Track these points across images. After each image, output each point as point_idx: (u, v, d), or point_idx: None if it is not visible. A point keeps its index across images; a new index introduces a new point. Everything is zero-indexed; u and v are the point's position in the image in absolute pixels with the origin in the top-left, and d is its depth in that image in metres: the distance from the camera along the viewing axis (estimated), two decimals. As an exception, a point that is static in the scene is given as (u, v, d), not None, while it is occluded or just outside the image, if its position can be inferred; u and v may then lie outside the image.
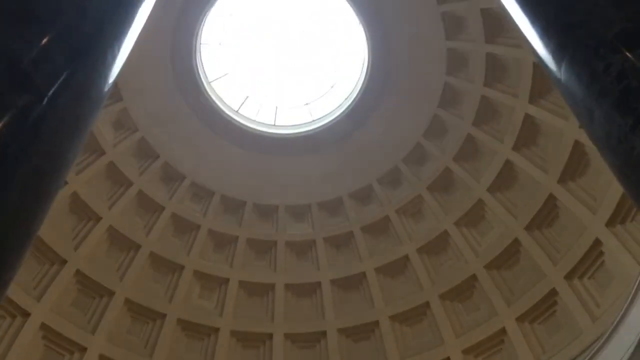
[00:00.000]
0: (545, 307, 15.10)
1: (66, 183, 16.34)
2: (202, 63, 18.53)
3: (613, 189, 13.36)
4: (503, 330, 15.73)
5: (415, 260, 18.13)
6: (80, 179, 16.70)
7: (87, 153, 16.95)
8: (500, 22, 15.26)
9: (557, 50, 4.05)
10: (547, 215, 15.42)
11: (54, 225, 16.12)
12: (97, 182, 17.25)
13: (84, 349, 15.89)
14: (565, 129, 14.44)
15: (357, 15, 17.92)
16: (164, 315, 17.54)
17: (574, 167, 14.58)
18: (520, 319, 15.50)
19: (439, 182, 18.08)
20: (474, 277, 16.88)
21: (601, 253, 13.88)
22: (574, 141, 14.28)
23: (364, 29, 18.07)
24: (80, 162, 16.81)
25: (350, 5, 17.78)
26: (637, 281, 11.52)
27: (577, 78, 3.88)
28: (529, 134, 15.68)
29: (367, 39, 18.12)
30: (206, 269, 18.59)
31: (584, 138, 14.03)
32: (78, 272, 16.44)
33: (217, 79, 19.25)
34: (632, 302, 11.52)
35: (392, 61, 17.93)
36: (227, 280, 18.66)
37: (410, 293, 17.90)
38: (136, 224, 17.98)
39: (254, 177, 19.41)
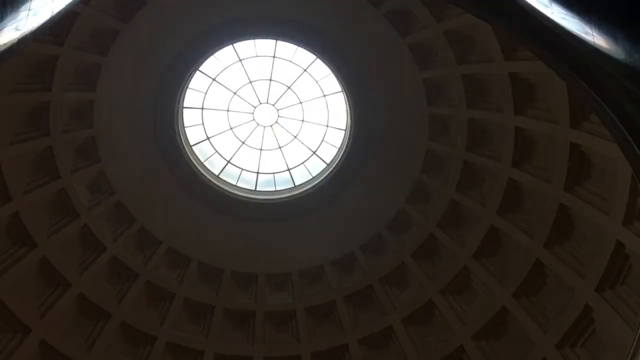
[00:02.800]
0: (537, 379, 14.40)
1: (35, 247, 15.66)
2: (184, 126, 18.38)
3: (601, 252, 13.06)
4: (495, 406, 14.91)
5: (400, 331, 17.40)
6: (51, 243, 16.01)
7: (61, 215, 16.36)
8: (481, 86, 15.43)
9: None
10: (534, 281, 14.98)
11: (19, 291, 15.30)
12: (69, 247, 16.55)
13: None
14: (550, 192, 14.28)
15: (340, 82, 18.07)
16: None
17: (560, 230, 14.29)
18: (511, 393, 14.75)
19: (423, 248, 17.67)
20: (461, 349, 16.18)
21: (592, 320, 13.38)
22: (559, 204, 14.09)
23: (346, 96, 18.18)
24: (52, 225, 16.18)
25: (332, 72, 17.97)
26: (632, 348, 10.99)
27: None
28: (513, 199, 15.50)
29: (349, 105, 18.21)
30: (180, 340, 17.62)
31: (569, 201, 13.89)
32: (43, 343, 15.43)
33: (199, 142, 19.05)
34: (628, 370, 10.95)
35: (375, 127, 17.93)
36: (202, 353, 17.67)
37: (396, 367, 17.08)
38: (108, 292, 17.14)
39: (233, 243, 18.82)
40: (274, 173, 19.89)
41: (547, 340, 14.24)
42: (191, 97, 18.73)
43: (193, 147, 18.83)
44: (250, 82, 19.46)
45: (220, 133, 19.63)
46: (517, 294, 15.30)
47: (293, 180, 19.59)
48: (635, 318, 12.19)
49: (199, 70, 18.30)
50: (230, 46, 18.06)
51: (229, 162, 19.59)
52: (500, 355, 15.48)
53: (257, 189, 19.60)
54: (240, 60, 18.99)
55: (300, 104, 19.69)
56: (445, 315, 16.82)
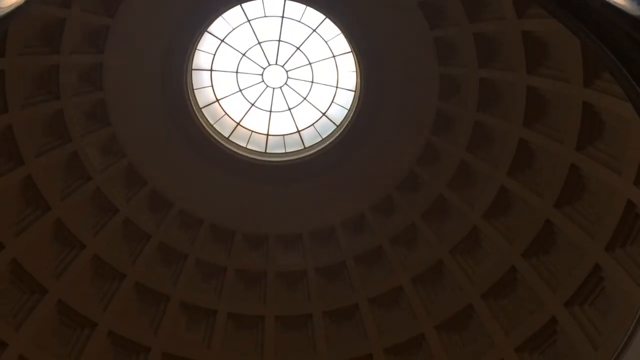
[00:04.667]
0: (545, 336, 14.57)
1: (49, 209, 15.88)
2: (193, 88, 18.32)
3: (611, 212, 13.06)
4: (502, 362, 15.15)
5: (409, 290, 17.60)
6: (64, 205, 16.21)
7: (73, 178, 16.51)
8: (493, 45, 15.19)
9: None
10: (544, 241, 15.03)
11: (35, 253, 15.58)
12: (82, 209, 16.74)
13: (63, 383, 15.15)
14: (561, 152, 14.19)
15: (350, 42, 17.86)
16: (148, 349, 16.81)
17: (571, 190, 14.27)
18: (519, 350, 14.94)
19: (433, 209, 17.71)
20: (470, 307, 16.35)
21: (601, 279, 13.47)
22: (570, 164, 14.02)
23: (356, 56, 17.99)
24: (65, 188, 16.36)
25: (342, 32, 17.74)
26: (640, 306, 11.08)
27: None
28: (523, 159, 15.43)
29: (359, 65, 18.02)
30: (193, 300, 17.95)
31: (580, 161, 13.81)
32: (59, 302, 15.78)
33: (208, 105, 19.01)
34: (636, 327, 11.05)
35: (385, 88, 17.78)
36: (215, 312, 18.01)
37: (404, 324, 17.31)
38: (122, 253, 17.40)
39: (244, 205, 18.98)
40: (283, 135, 19.87)
41: (555, 298, 14.36)
42: (200, 59, 18.61)
43: (202, 110, 18.80)
44: (259, 43, 19.28)
45: (230, 95, 19.56)
46: (526, 253, 15.38)
47: (303, 142, 19.58)
48: (645, 277, 12.27)
49: (208, 32, 18.14)
50: (239, 6, 17.82)
51: (238, 124, 19.58)
52: (508, 314, 15.64)
53: (267, 151, 19.62)
54: (248, 20, 18.77)
55: (309, 65, 19.51)
56: (454, 274, 16.97)
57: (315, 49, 19.26)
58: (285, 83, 19.82)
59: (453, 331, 16.55)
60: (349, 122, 18.56)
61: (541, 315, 14.64)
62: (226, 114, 19.45)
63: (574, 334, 13.72)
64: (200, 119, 18.60)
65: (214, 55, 18.97)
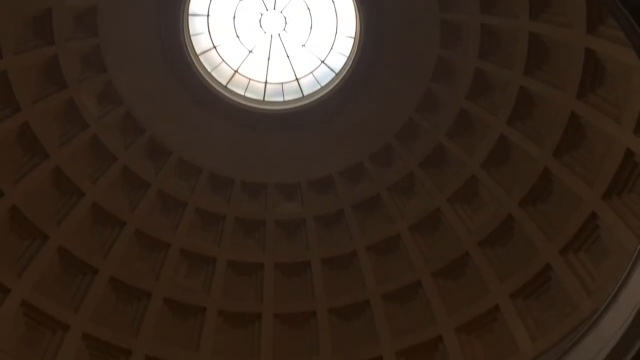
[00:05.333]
0: (539, 283, 14.82)
1: (47, 156, 15.87)
2: (189, 34, 18.00)
3: (610, 160, 13.08)
4: (496, 308, 15.44)
5: (407, 238, 17.78)
6: (62, 153, 16.20)
7: (70, 125, 16.42)
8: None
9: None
10: (541, 190, 15.10)
11: (34, 200, 15.68)
12: (80, 157, 16.73)
13: (66, 327, 15.46)
14: (562, 100, 14.08)
15: (349, -13, 17.44)
16: (149, 294, 17.12)
17: (570, 139, 14.23)
18: (513, 296, 15.22)
19: (432, 158, 17.69)
20: (466, 255, 16.56)
21: (597, 227, 13.61)
22: (570, 112, 13.94)
23: (356, 2, 17.60)
24: (62, 135, 16.30)
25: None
26: (636, 253, 11.18)
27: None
28: (524, 107, 15.32)
29: (358, 12, 17.66)
30: (193, 247, 18.16)
31: (581, 109, 13.73)
32: (60, 249, 15.98)
33: (205, 52, 18.72)
34: (629, 274, 11.19)
35: (384, 34, 17.46)
36: (214, 260, 18.24)
37: (401, 271, 17.57)
38: (121, 201, 17.49)
39: (242, 154, 18.94)
40: (282, 83, 19.65)
41: (551, 246, 14.55)
42: (197, 4, 18.21)
43: (200, 57, 18.52)
44: (257, -13, 18.84)
45: (227, 42, 19.24)
46: (523, 202, 15.48)
47: (301, 90, 19.37)
48: (640, 225, 12.38)
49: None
50: (235, -51, 17.35)
51: (236, 71, 19.33)
52: (504, 261, 15.85)
53: (266, 99, 19.44)
54: (246, -36, 18.30)
55: (308, 11, 19.11)
56: (452, 223, 17.11)
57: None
58: (284, 29, 19.47)
59: (449, 278, 16.80)
60: (348, 70, 18.31)
61: (536, 262, 14.85)
62: (223, 60, 19.18)
63: (568, 281, 13.95)
64: (197, 66, 18.34)
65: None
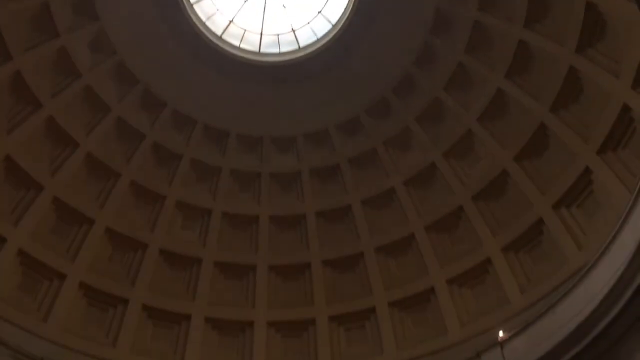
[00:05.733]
0: (531, 237, 15.03)
1: (40, 106, 15.71)
2: (183, -18, 17.56)
3: (606, 115, 13.06)
4: (488, 260, 15.69)
5: (401, 192, 17.89)
6: (56, 103, 16.04)
7: (63, 75, 16.19)
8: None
9: None
10: (537, 145, 15.13)
11: (28, 150, 15.65)
12: (74, 107, 16.56)
13: (63, 276, 15.66)
14: (561, 54, 13.95)
15: None
16: (145, 245, 17.29)
17: (567, 94, 14.18)
18: (505, 249, 15.46)
19: (428, 112, 17.59)
20: (460, 209, 16.72)
21: (590, 182, 13.71)
22: (569, 67, 13.82)
23: (354, -50, 17.16)
24: (55, 85, 16.10)
25: None
26: (628, 207, 11.27)
27: None
28: (522, 61, 15.17)
29: (356, -39, 17.22)
30: (189, 199, 18.24)
31: (579, 63, 13.61)
32: (56, 199, 16.03)
33: (199, 0, 18.29)
34: (620, 228, 11.29)
35: (383, -15, 17.10)
36: (210, 212, 18.36)
37: (395, 225, 17.75)
38: (116, 152, 17.43)
39: (238, 106, 18.77)
40: (278, 34, 19.32)
41: (544, 201, 14.69)
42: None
43: (194, 6, 18.11)
44: None
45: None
46: (518, 157, 15.54)
47: (298, 42, 19.04)
48: (634, 180, 12.41)
49: None
50: None
51: (231, 21, 18.95)
52: (497, 215, 16.01)
53: (261, 50, 19.14)
54: None
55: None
56: (446, 177, 17.18)
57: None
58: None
59: (442, 232, 17.00)
60: (345, 21, 17.94)
61: (529, 217, 15.02)
62: (218, 10, 18.80)
63: (559, 235, 14.13)
64: (192, 15, 17.93)
65: (205, -53, 18.06)
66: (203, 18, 18.26)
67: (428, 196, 17.56)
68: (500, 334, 12.63)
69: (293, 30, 19.20)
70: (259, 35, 19.22)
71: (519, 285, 14.88)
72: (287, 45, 19.12)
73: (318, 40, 18.67)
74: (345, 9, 18.01)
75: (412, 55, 17.51)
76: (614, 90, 12.83)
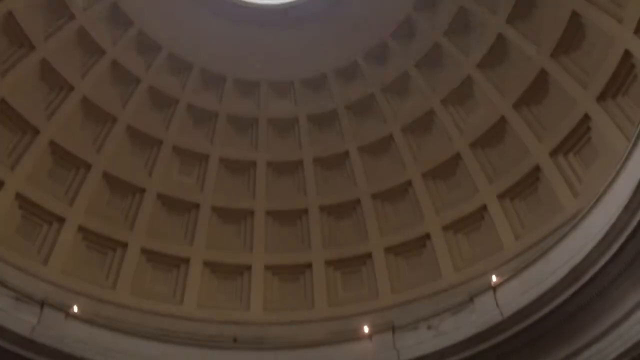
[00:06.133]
0: (527, 184, 15.12)
1: (33, 48, 15.44)
2: None
3: (607, 62, 12.92)
4: (484, 207, 15.83)
5: (399, 139, 17.83)
6: (49, 45, 15.75)
7: (56, 16, 15.83)
8: None
9: None
10: (536, 91, 15.01)
11: (23, 93, 15.49)
12: (67, 50, 16.28)
13: (62, 220, 15.78)
14: (564, -2, 13.66)
15: None
16: (143, 190, 17.35)
17: (569, 40, 13.98)
18: (501, 196, 15.57)
19: (428, 58, 17.35)
20: (457, 156, 16.73)
21: (589, 129, 13.68)
22: (572, 11, 13.57)
23: None
24: (48, 27, 15.76)
25: None
26: (625, 155, 11.27)
27: None
28: (524, 5, 14.88)
29: None
30: (186, 144, 18.19)
31: (582, 7, 13.35)
32: (52, 143, 15.98)
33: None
34: (616, 176, 11.32)
35: None
36: (207, 157, 18.35)
37: (393, 172, 17.79)
38: (111, 96, 17.25)
39: (235, 50, 18.45)
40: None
41: (541, 148, 14.70)
42: None
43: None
44: None
45: None
46: (517, 104, 15.45)
47: (296, -17, 18.57)
48: (632, 128, 12.38)
49: None
50: None
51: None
52: (494, 163, 16.06)
53: (259, -8, 18.67)
54: None
55: None
56: (444, 124, 17.11)
57: None
58: None
59: (439, 179, 17.08)
60: (345, -40, 17.48)
61: (525, 164, 15.07)
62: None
63: (555, 182, 14.21)
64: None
65: None
66: (198, -43, 17.72)
67: (426, 143, 17.53)
68: (494, 278, 12.82)
69: (291, -29, 18.68)
70: (256, -23, 18.71)
71: (513, 231, 15.06)
72: (286, -13, 18.63)
73: (317, -18, 18.18)
74: (344, -52, 17.48)
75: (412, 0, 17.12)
76: (616, 35, 12.65)
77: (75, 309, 12.94)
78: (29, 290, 12.45)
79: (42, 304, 12.01)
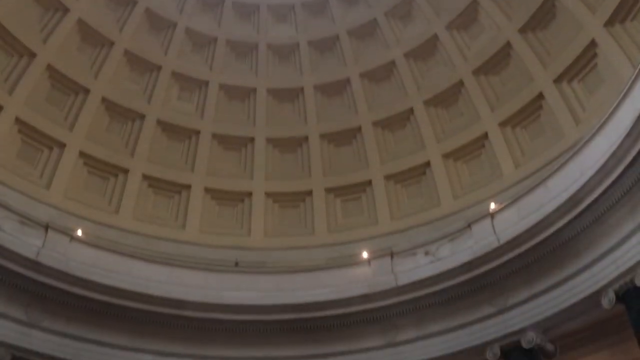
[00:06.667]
0: (529, 112, 15.00)
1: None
2: None
3: (618, -16, 12.48)
4: (485, 135, 15.78)
5: (401, 65, 17.54)
6: (40, -37, 15.24)
7: None
8: None
9: None
10: (543, 16, 14.64)
11: (17, 15, 15.09)
12: (60, -30, 15.76)
13: (62, 145, 15.78)
14: None
15: None
16: (142, 116, 17.24)
17: (580, -38, 13.46)
18: (503, 124, 15.49)
19: (433, -20, 16.81)
20: (460, 83, 16.51)
21: (595, 55, 13.40)
22: None
23: None
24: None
25: None
26: (630, 82, 11.08)
27: None
28: None
29: None
30: (185, 70, 17.92)
31: None
32: (49, 67, 15.75)
33: None
34: (619, 103, 11.17)
35: None
36: (206, 83, 18.11)
37: (394, 99, 17.61)
38: (108, 18, 16.87)
39: (232, -30, 17.87)
40: None
41: (545, 74, 14.49)
42: None
43: None
44: None
45: None
46: (524, 28, 15.11)
47: None
48: (639, 54, 12.16)
49: None
50: None
51: None
52: (497, 90, 15.88)
53: None
54: None
55: None
56: (448, 50, 16.79)
57: None
58: None
59: (441, 106, 16.94)
60: None
61: (529, 91, 14.88)
62: None
63: (558, 110, 14.08)
64: None
65: None
66: None
67: (428, 70, 17.26)
68: (492, 205, 12.91)
69: None
70: None
71: (513, 159, 15.07)
72: None
73: None
74: None
75: None
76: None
77: (79, 232, 13.14)
78: (33, 214, 12.57)
79: (46, 227, 12.18)
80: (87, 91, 16.35)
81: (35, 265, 11.33)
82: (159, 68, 17.57)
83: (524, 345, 10.99)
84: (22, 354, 10.97)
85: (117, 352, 11.93)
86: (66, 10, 15.88)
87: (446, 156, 16.42)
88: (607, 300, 10.02)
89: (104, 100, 16.64)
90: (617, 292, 9.88)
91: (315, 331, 12.68)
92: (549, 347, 11.26)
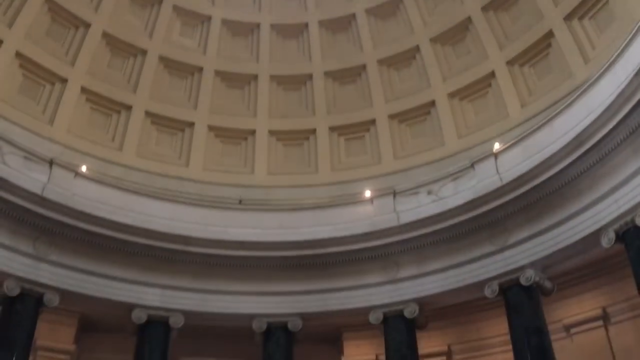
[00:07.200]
0: (538, 50, 14.70)
1: None
2: None
3: None
4: (492, 74, 15.54)
5: (408, 0, 17.03)
6: None
7: None
8: None
9: None
10: (554, -51, 14.09)
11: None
12: None
13: (64, 80, 15.64)
14: None
15: None
16: (144, 52, 16.98)
17: None
18: (510, 63, 15.23)
19: None
20: (468, 20, 16.09)
21: (609, -10, 13.00)
22: None
23: None
24: None
25: None
26: (640, 20, 10.80)
27: None
28: None
29: None
30: (186, 4, 17.48)
31: None
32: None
33: None
34: (629, 42, 10.92)
35: None
36: (209, 18, 17.72)
37: (400, 36, 17.24)
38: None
39: None
40: None
41: (556, 11, 14.08)
42: None
43: None
44: None
45: None
46: (535, -37, 14.57)
47: None
48: (654, -9, 11.81)
49: None
50: None
51: None
52: (506, 27, 15.50)
53: None
54: None
55: None
56: (457, -16, 16.29)
57: None
58: None
59: (448, 44, 16.60)
60: None
61: (538, 29, 14.52)
62: None
63: (567, 48, 13.78)
64: None
65: None
66: None
67: (436, 6, 16.79)
68: (496, 145, 12.86)
69: None
70: None
71: (520, 99, 14.89)
72: None
73: None
74: None
75: None
76: None
77: (84, 168, 13.20)
78: (37, 150, 12.57)
79: (50, 163, 12.24)
80: (87, 25, 16.05)
81: (42, 200, 11.47)
82: (160, 1, 17.16)
83: (523, 282, 11.20)
84: (31, 286, 11.26)
85: (124, 286, 12.24)
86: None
87: (452, 95, 16.22)
88: (607, 240, 10.14)
89: (104, 34, 16.35)
90: (617, 231, 9.97)
91: (317, 268, 12.95)
92: (548, 284, 11.48)
